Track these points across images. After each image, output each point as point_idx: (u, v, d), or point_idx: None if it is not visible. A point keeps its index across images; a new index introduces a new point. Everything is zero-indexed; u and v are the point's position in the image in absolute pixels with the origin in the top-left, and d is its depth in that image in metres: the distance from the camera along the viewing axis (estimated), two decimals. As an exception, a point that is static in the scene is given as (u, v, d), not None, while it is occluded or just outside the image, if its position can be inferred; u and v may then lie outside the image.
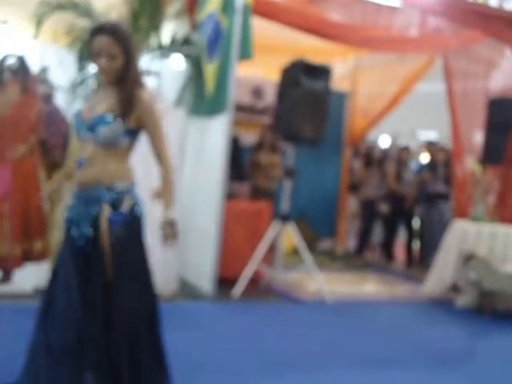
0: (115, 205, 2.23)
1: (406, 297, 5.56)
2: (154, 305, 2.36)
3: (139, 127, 2.29)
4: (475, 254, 5.00)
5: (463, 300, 5.18)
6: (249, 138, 6.54)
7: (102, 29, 2.22)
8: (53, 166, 4.68)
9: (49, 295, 2.32)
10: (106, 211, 2.22)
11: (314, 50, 6.18)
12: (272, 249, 5.32)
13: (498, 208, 5.66)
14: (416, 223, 7.12)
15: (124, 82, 2.26)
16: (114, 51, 2.21)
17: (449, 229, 5.47)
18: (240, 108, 6.23)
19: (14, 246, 4.02)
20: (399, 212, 7.03)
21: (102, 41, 2.21)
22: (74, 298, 2.21)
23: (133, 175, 2.34)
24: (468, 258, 5.03)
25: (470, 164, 6.15)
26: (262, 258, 4.98)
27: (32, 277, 4.19)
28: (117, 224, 2.21)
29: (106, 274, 2.20)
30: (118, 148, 2.27)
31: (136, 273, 2.27)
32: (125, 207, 2.24)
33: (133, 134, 2.29)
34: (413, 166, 7.53)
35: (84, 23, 4.52)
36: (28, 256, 4.13)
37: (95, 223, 2.23)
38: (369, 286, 5.86)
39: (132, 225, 2.26)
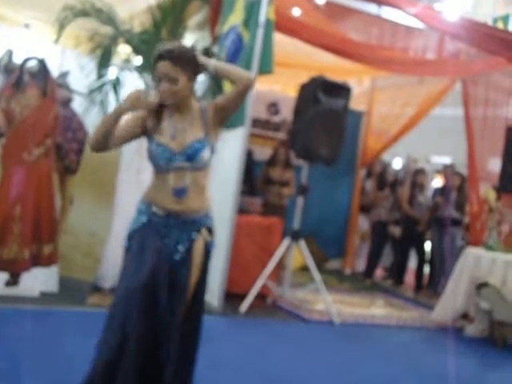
0: (210, 231, 2.41)
1: (415, 322, 5.47)
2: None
3: (217, 138, 2.40)
4: (488, 283, 4.91)
5: (473, 329, 5.08)
6: (262, 152, 6.49)
7: (161, 55, 2.29)
8: (66, 170, 4.68)
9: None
10: (205, 235, 2.38)
11: (331, 67, 6.16)
12: (280, 265, 5.25)
13: (513, 237, 5.57)
14: (427, 248, 7.03)
15: (188, 106, 2.35)
16: (173, 75, 2.27)
17: (460, 255, 5.39)
18: (255, 122, 6.21)
19: (22, 250, 3.99)
20: (411, 236, 6.94)
21: (162, 66, 2.28)
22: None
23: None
24: (480, 287, 4.94)
25: (483, 191, 6.07)
26: (270, 274, 4.92)
27: (39, 281, 4.16)
28: (210, 249, 2.41)
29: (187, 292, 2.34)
30: (208, 168, 2.37)
31: (203, 294, 2.46)
32: (213, 233, 2.44)
33: (214, 148, 2.39)
34: (429, 190, 7.43)
35: (106, 30, 4.54)
36: (36, 260, 4.11)
37: (190, 246, 2.34)
38: (377, 309, 5.77)
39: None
